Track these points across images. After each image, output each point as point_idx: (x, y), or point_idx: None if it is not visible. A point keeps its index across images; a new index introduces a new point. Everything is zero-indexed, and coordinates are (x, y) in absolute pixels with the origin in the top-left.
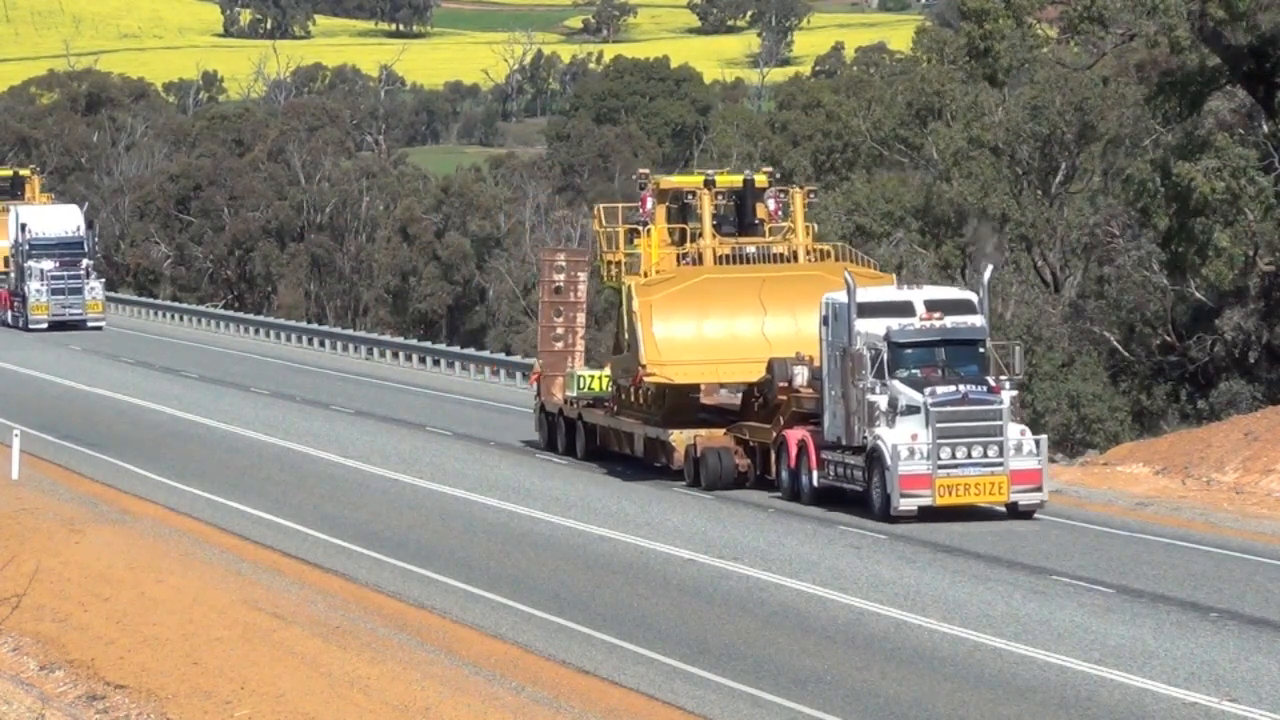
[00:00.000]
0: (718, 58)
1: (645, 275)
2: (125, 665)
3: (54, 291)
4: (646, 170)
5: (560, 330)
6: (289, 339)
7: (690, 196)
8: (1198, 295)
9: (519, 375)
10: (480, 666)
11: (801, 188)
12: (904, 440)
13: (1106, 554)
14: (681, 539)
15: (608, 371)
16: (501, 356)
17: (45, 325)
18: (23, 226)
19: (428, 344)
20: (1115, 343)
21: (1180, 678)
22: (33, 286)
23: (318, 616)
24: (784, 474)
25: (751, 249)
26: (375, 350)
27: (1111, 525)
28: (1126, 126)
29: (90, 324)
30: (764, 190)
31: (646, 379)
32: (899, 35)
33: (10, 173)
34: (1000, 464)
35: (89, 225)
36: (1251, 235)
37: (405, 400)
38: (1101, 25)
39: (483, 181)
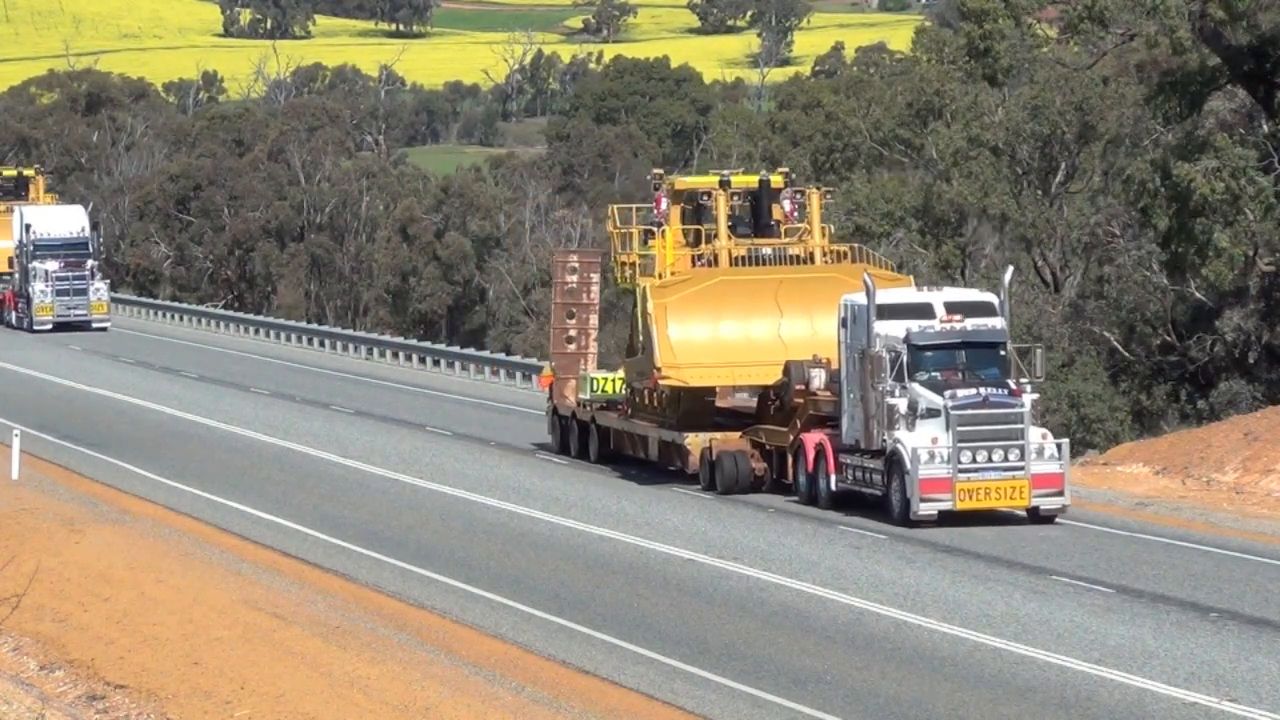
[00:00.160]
0: (718, 58)
1: (660, 277)
2: (125, 665)
3: (59, 292)
4: (661, 171)
5: (573, 332)
6: (289, 339)
7: (705, 197)
8: (1198, 295)
9: (519, 375)
10: (480, 666)
11: (818, 188)
12: (924, 444)
13: (1106, 554)
14: (681, 539)
15: (621, 374)
16: (501, 356)
17: (50, 326)
18: (27, 227)
19: (428, 344)
20: (1115, 343)
21: (1180, 678)
22: (37, 287)
23: (318, 616)
24: (801, 478)
25: (767, 250)
26: (375, 350)
27: (1111, 525)
28: (1126, 126)
29: (95, 325)
30: (780, 191)
31: (661, 381)
32: (899, 35)
33: (14, 173)
34: (1021, 468)
35: (94, 226)
36: (1251, 235)
37: (405, 400)
38: (1101, 25)
39: (483, 181)
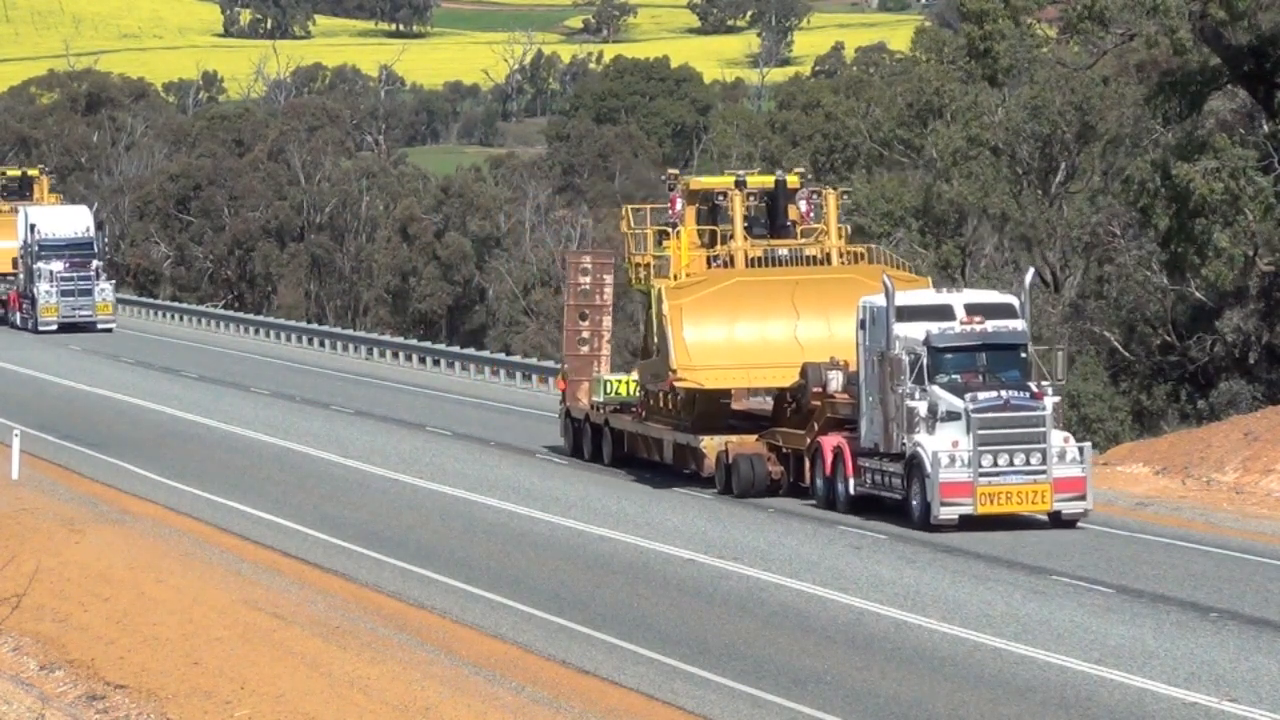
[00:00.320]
0: (718, 58)
1: (675, 278)
2: (125, 665)
3: (64, 293)
4: (676, 171)
5: (585, 334)
6: (289, 339)
7: (721, 198)
8: (1198, 295)
9: (519, 375)
10: (480, 666)
11: (835, 188)
12: (944, 447)
13: (1106, 554)
14: (681, 539)
15: (635, 376)
16: (501, 356)
17: (55, 327)
18: (32, 227)
19: (428, 344)
20: (1115, 343)
21: (1180, 678)
22: (42, 288)
23: (318, 616)
24: (819, 481)
25: (784, 251)
26: (375, 350)
27: (1111, 525)
28: (1126, 126)
29: (100, 326)
30: (796, 191)
31: (676, 384)
32: (899, 35)
33: (19, 173)
34: (1043, 472)
35: (98, 226)
36: (1251, 235)
37: (405, 400)
38: (1101, 25)
39: (483, 181)
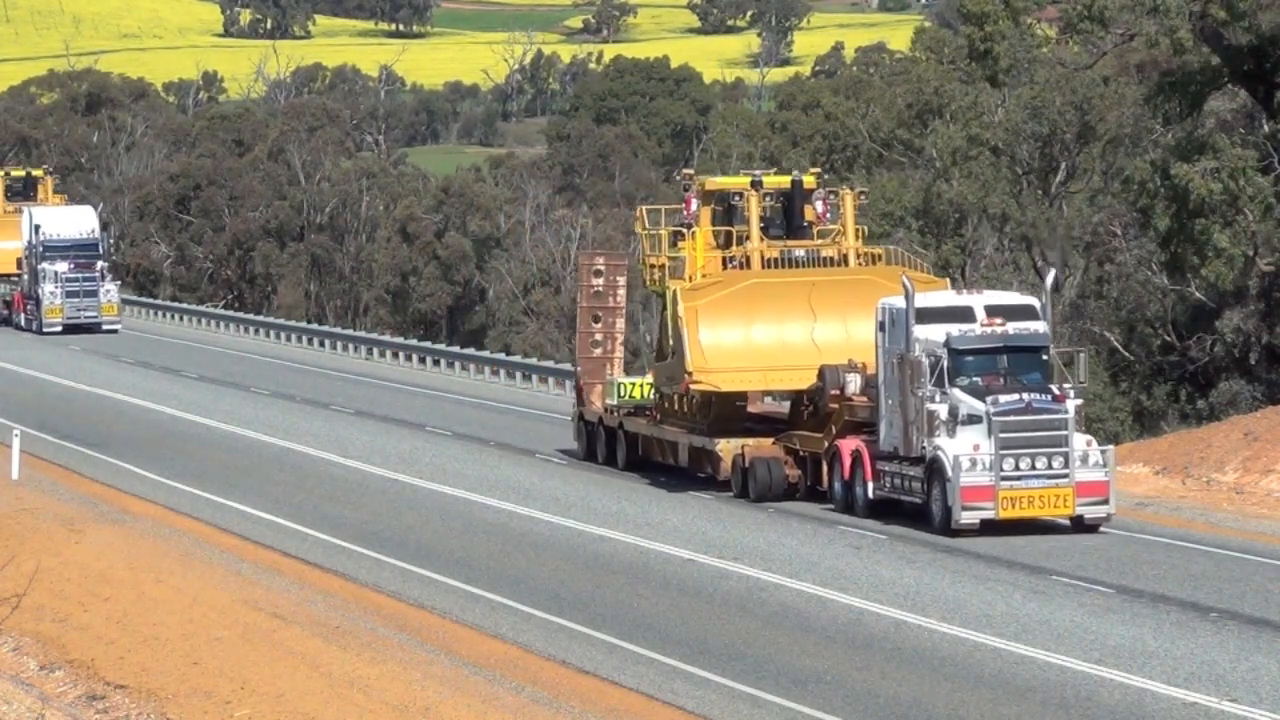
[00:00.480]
0: (718, 58)
1: (690, 279)
2: (125, 665)
3: (69, 294)
4: (691, 171)
5: (599, 336)
6: (289, 339)
7: (737, 198)
8: (1198, 295)
9: (519, 375)
10: (480, 666)
11: (852, 189)
12: (965, 451)
13: (1107, 554)
14: (681, 539)
15: (649, 379)
16: (501, 356)
17: (60, 328)
18: (36, 228)
19: (428, 344)
20: (1115, 343)
21: (1180, 678)
22: (47, 289)
23: (318, 616)
24: (837, 485)
25: (800, 252)
26: (375, 350)
27: (1111, 525)
28: (1126, 126)
29: (105, 327)
30: (812, 191)
31: (692, 386)
32: (899, 35)
33: (23, 173)
34: (1065, 475)
35: (103, 227)
36: (1251, 235)
37: (405, 400)
38: (1101, 25)
39: (483, 181)
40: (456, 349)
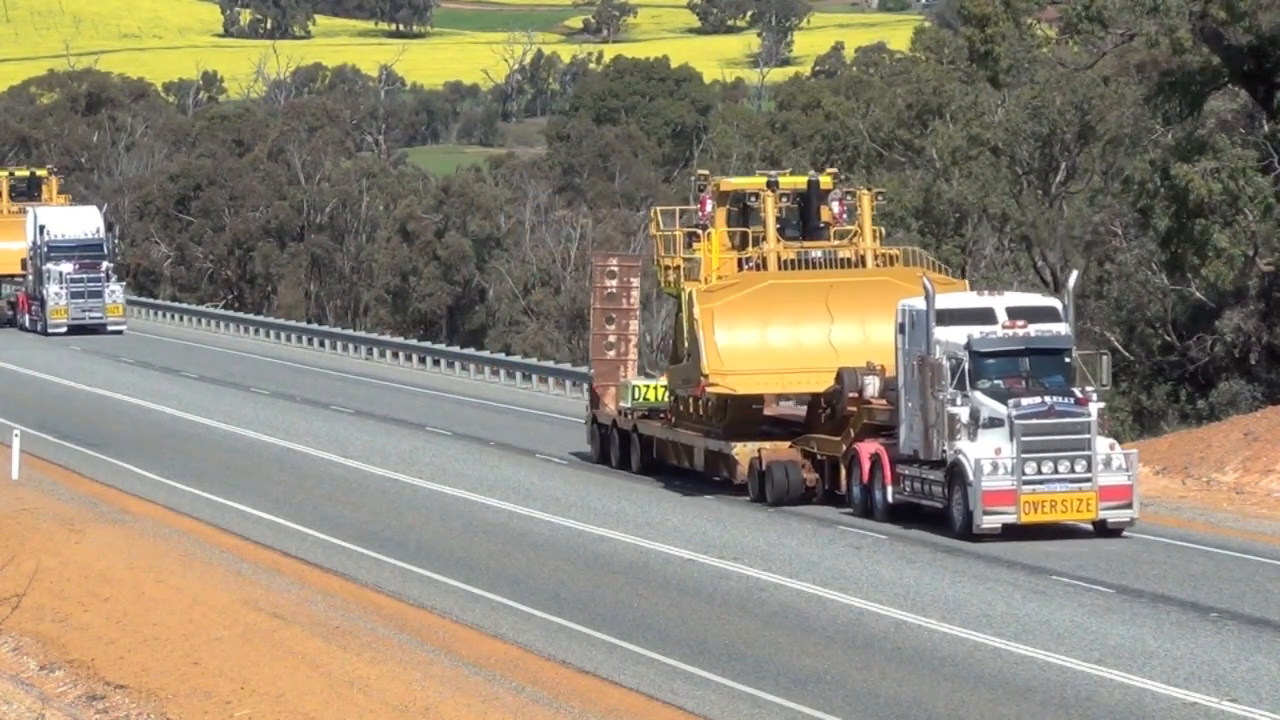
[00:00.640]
0: (718, 58)
1: (706, 281)
2: (125, 665)
3: (74, 295)
4: (706, 171)
5: (612, 338)
6: (289, 339)
7: (752, 199)
8: (1198, 295)
9: (519, 375)
10: (480, 666)
11: (869, 189)
12: (987, 454)
13: (1107, 554)
14: (681, 539)
15: (664, 381)
16: (501, 356)
17: (64, 329)
18: (41, 228)
19: (428, 344)
20: (1115, 343)
21: (1180, 678)
22: (51, 290)
23: (318, 616)
24: (856, 489)
25: (817, 253)
26: (375, 350)
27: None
28: (1126, 126)
29: (111, 328)
30: (829, 192)
31: (709, 389)
32: (899, 35)
33: (27, 173)
34: (1089, 479)
35: (108, 227)
36: (1251, 235)
37: (405, 400)
38: (1101, 25)
39: (483, 181)
40: (456, 349)
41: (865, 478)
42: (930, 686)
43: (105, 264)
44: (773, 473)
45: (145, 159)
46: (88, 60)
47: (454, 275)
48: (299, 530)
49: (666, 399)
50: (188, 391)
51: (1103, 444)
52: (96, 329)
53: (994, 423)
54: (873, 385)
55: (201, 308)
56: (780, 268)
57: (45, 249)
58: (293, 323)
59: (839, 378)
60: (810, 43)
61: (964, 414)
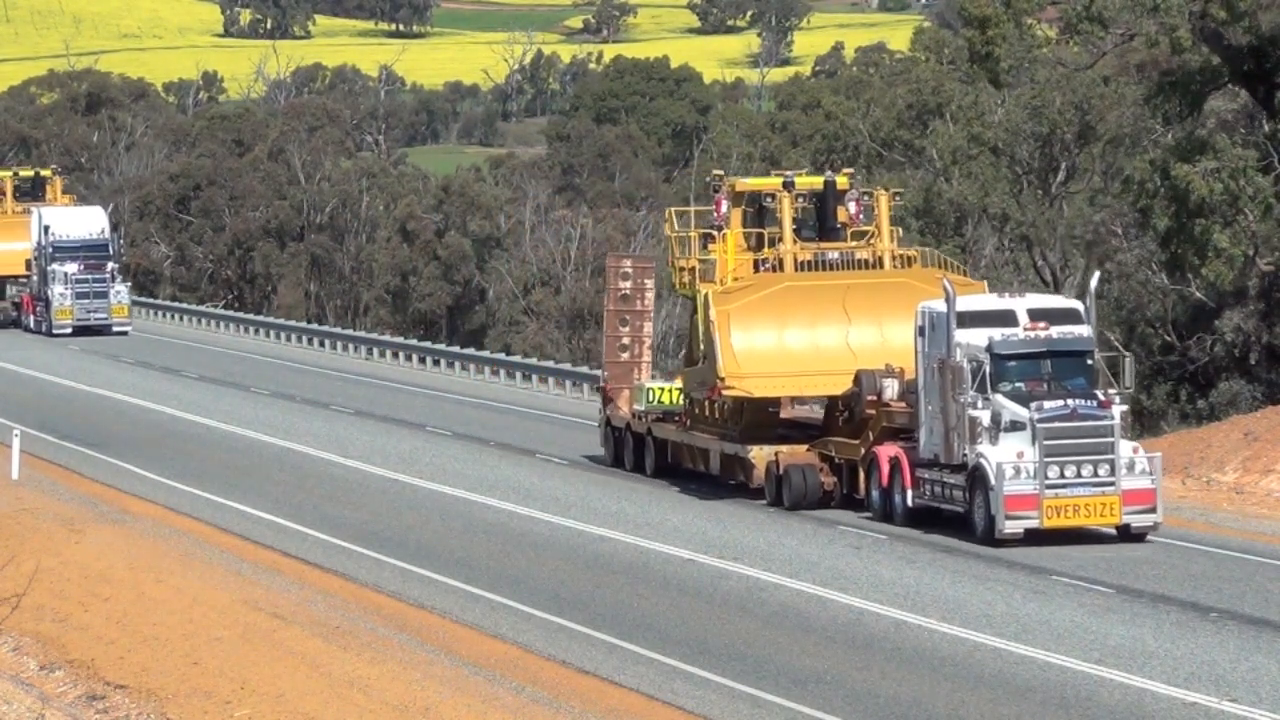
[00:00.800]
0: (718, 58)
1: (721, 283)
2: (125, 665)
3: (79, 295)
4: (721, 172)
5: (626, 340)
6: (289, 339)
7: (769, 199)
8: (1198, 295)
9: (519, 375)
10: (480, 666)
11: (886, 189)
12: (1009, 458)
13: (1106, 554)
14: (681, 539)
15: (679, 384)
16: (501, 356)
17: (70, 330)
18: (45, 228)
19: (428, 344)
20: (1115, 343)
21: (1180, 678)
22: (56, 290)
23: (318, 616)
24: (875, 493)
25: (834, 255)
26: (375, 350)
27: None
28: (1126, 126)
29: (116, 329)
30: (845, 192)
31: (724, 392)
32: (899, 35)
33: (31, 173)
34: (1112, 483)
35: (114, 227)
36: (1251, 235)
37: (405, 400)
38: (1101, 25)
39: (483, 181)
40: (456, 349)
41: (884, 481)
42: (930, 686)
43: (110, 264)
44: (790, 477)
45: (145, 159)
46: (88, 60)
47: (454, 275)
48: (299, 530)
49: (681, 402)
50: (188, 391)
51: (1126, 447)
52: (102, 330)
53: (1015, 426)
54: (891, 388)
55: (201, 308)
56: (797, 269)
57: (50, 249)
58: (293, 323)
59: (857, 380)
60: (810, 43)
61: (985, 417)
